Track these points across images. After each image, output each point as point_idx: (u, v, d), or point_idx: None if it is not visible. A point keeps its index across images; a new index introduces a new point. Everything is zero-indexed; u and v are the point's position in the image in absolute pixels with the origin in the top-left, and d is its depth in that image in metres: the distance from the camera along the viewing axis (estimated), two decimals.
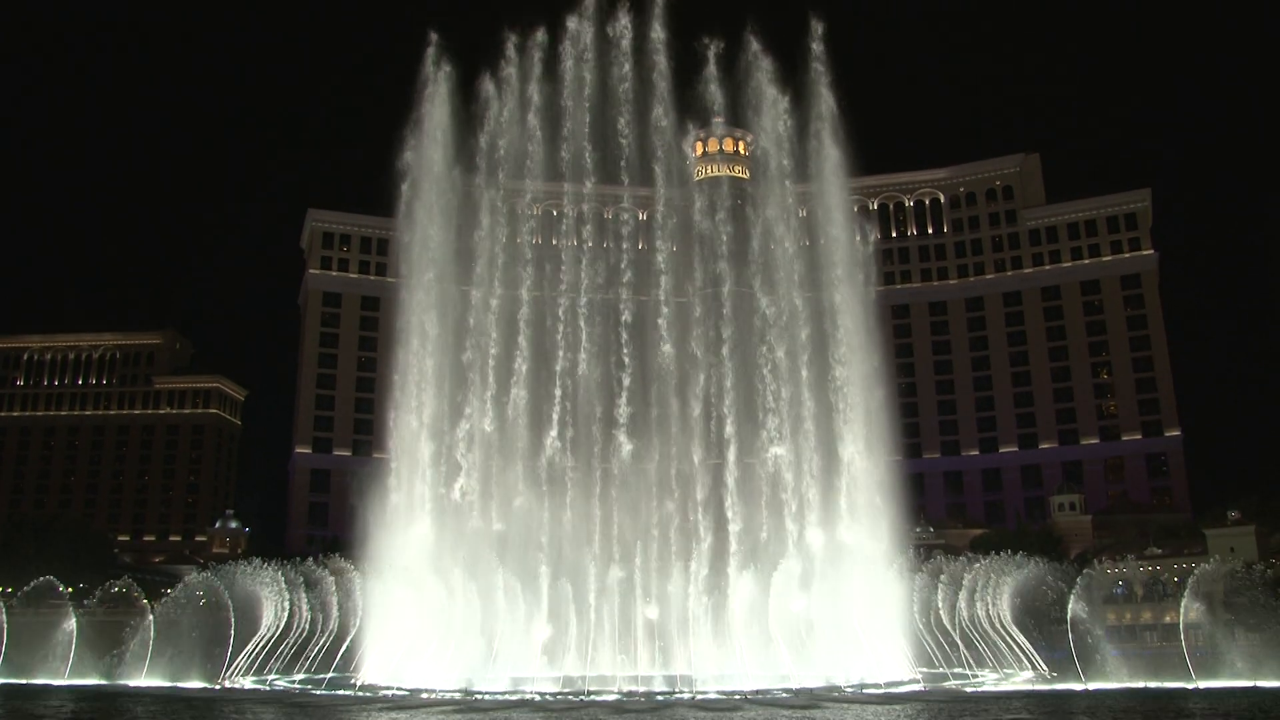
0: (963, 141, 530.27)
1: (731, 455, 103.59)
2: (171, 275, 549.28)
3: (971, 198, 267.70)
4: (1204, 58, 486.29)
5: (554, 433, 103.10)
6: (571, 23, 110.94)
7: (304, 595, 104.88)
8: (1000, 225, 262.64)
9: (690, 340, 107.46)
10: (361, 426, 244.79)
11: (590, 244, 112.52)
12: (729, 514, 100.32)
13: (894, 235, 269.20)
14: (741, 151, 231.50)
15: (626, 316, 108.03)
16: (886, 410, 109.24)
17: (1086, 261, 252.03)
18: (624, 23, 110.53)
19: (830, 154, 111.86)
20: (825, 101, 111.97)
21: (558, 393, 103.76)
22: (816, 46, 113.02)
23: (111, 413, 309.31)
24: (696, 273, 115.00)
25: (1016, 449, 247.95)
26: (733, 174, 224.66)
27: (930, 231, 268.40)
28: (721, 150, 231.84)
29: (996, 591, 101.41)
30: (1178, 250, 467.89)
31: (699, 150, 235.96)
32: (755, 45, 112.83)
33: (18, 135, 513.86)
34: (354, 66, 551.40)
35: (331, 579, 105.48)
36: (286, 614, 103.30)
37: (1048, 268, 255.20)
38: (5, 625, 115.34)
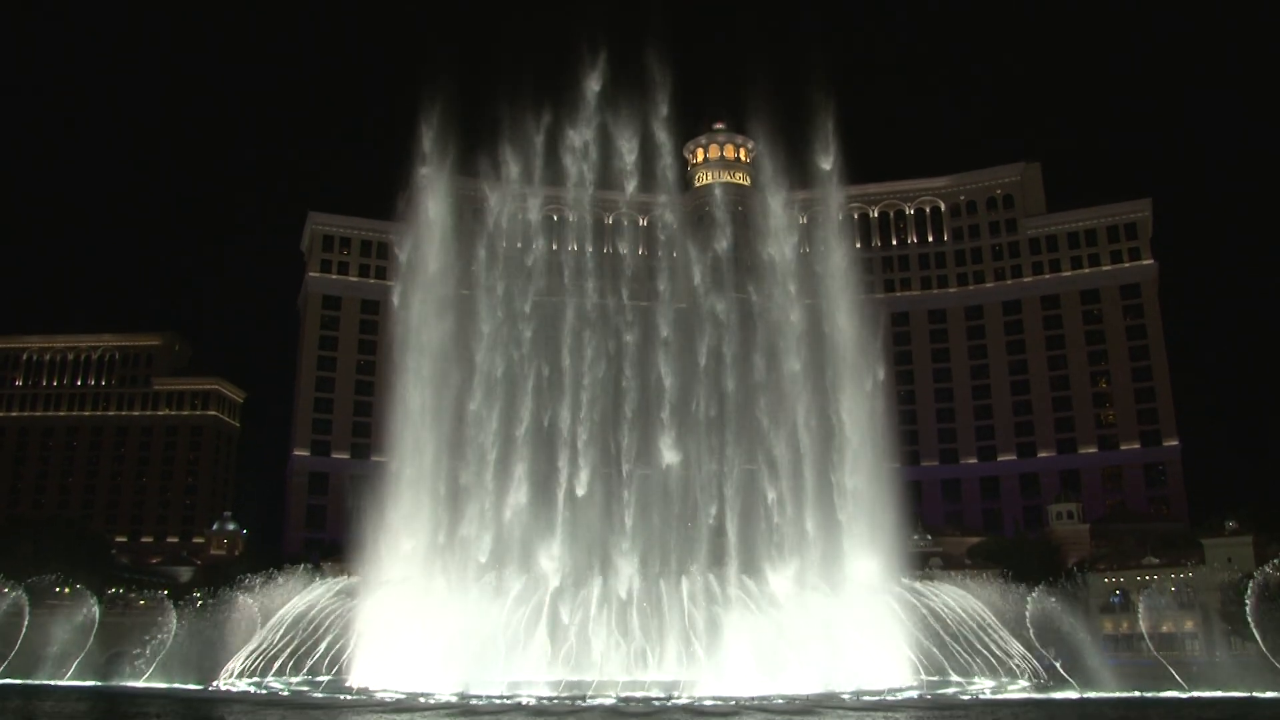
0: (963, 150, 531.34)
1: (726, 467, 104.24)
2: (171, 277, 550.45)
3: (972, 206, 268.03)
4: (1205, 67, 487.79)
5: (554, 558, 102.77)
6: (572, 136, 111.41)
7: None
8: (1000, 234, 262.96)
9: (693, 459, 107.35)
10: (360, 430, 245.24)
11: (591, 360, 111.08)
12: (728, 526, 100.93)
13: (894, 243, 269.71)
14: (743, 162, 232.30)
15: (628, 447, 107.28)
16: (886, 423, 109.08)
17: (1086, 271, 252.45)
18: (627, 136, 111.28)
19: (839, 262, 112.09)
20: (835, 200, 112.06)
21: (560, 511, 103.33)
22: (826, 158, 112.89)
23: (110, 414, 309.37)
24: (701, 392, 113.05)
25: (1015, 457, 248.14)
26: (733, 186, 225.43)
27: (930, 240, 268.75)
28: (722, 175, 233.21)
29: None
30: (1177, 260, 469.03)
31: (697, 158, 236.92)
32: (762, 145, 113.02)
33: (18, 136, 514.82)
34: (356, 69, 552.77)
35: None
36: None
37: (1047, 277, 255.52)
38: (27, 616, 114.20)
